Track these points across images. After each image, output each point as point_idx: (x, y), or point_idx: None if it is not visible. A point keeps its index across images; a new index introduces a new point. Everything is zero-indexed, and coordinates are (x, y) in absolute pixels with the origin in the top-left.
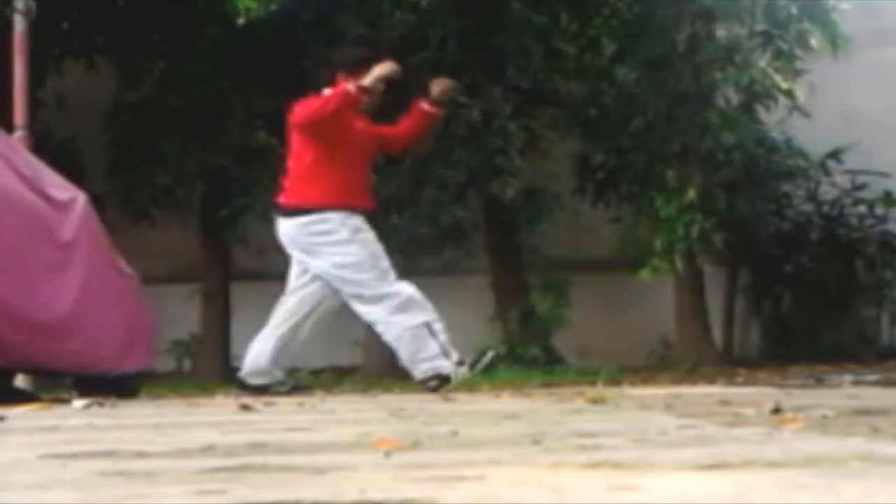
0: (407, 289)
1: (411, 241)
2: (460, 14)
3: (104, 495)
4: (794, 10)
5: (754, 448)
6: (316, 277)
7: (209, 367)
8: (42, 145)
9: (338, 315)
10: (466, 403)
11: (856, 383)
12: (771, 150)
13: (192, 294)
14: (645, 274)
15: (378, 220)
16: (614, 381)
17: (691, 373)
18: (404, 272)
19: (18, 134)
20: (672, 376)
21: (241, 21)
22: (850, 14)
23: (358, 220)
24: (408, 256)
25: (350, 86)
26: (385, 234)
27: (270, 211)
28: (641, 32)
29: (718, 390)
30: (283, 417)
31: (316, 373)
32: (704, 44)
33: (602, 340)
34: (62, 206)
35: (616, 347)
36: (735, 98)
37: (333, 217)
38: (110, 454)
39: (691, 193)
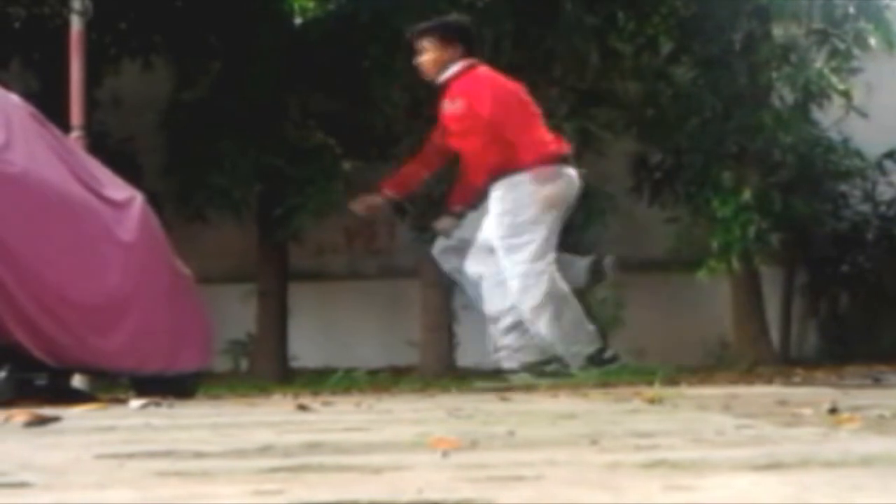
0: None
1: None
2: (516, 14)
3: (161, 495)
4: (851, 10)
5: (811, 448)
6: None
7: (266, 367)
8: (98, 145)
9: (394, 314)
10: (523, 403)
11: None
12: (827, 150)
13: (248, 294)
14: (702, 275)
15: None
16: (671, 381)
17: (748, 373)
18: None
19: (75, 134)
20: (729, 376)
21: (297, 21)
22: None
23: None
24: None
25: None
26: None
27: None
28: (698, 31)
29: (775, 390)
30: (340, 417)
31: (373, 373)
32: (761, 43)
33: (659, 340)
34: (119, 206)
35: (673, 347)
36: (790, 98)
37: None
38: (167, 454)
39: (747, 194)
